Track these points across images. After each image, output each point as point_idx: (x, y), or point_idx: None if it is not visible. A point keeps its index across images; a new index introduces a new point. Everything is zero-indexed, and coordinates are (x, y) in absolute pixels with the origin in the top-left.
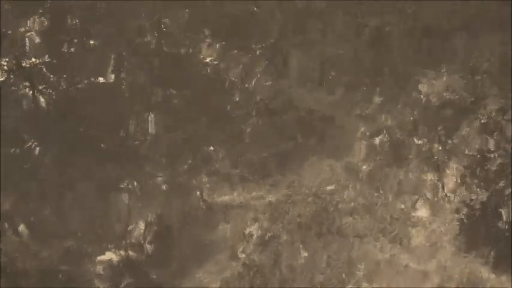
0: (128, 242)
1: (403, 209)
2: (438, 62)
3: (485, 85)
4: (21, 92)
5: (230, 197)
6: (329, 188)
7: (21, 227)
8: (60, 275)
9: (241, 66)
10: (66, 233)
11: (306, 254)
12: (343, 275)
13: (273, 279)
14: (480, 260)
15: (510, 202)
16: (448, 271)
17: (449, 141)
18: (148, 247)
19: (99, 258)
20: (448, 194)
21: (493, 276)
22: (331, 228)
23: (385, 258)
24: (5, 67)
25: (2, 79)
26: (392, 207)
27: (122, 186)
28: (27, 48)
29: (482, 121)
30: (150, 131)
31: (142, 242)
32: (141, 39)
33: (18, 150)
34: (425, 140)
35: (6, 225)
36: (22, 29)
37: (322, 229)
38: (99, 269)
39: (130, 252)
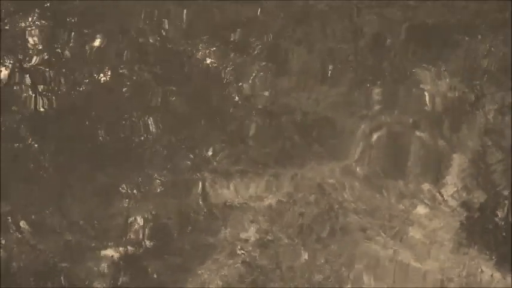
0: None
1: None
2: (439, 61)
3: (485, 84)
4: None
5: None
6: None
7: (22, 224)
8: (60, 273)
9: (241, 66)
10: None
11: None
12: None
13: None
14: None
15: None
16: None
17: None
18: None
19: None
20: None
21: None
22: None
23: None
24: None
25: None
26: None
27: (122, 188)
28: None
29: (483, 120)
30: (150, 130)
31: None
32: (142, 39)
33: (18, 149)
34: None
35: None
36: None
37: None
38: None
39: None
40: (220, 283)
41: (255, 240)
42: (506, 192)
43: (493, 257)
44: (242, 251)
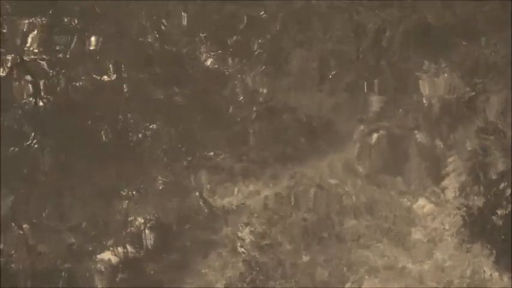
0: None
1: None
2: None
3: (486, 84)
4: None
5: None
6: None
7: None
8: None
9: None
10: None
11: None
12: None
13: None
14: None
15: (511, 202)
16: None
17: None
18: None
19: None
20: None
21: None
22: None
23: None
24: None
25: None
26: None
27: (122, 189)
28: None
29: (482, 122)
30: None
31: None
32: (142, 39)
33: (17, 148)
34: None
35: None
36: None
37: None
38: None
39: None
40: None
41: None
42: (507, 193)
43: (493, 255)
44: None
